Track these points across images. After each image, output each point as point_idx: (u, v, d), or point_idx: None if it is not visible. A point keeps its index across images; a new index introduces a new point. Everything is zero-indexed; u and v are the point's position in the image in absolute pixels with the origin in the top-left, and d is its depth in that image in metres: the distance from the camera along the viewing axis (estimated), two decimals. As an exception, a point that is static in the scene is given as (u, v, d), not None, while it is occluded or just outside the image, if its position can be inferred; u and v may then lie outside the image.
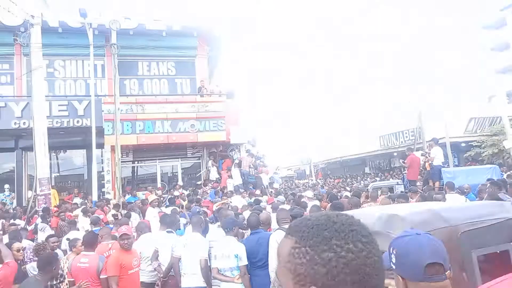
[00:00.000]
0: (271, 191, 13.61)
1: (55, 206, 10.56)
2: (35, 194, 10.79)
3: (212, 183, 14.05)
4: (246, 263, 4.60)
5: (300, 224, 0.85)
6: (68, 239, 5.96)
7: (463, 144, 23.29)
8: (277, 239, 4.70)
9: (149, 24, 15.30)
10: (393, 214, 2.25)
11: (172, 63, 16.87)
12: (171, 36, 15.79)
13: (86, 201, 11.83)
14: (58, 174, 15.54)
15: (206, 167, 15.16)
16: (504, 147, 17.57)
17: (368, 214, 2.49)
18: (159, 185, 15.14)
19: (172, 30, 15.56)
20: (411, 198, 7.52)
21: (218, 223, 5.80)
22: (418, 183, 11.88)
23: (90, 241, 4.86)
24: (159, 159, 15.81)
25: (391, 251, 1.42)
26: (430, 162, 11.52)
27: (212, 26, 16.07)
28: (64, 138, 14.08)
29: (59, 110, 13.57)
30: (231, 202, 9.27)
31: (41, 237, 7.11)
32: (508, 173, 14.11)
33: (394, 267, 1.39)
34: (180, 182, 15.11)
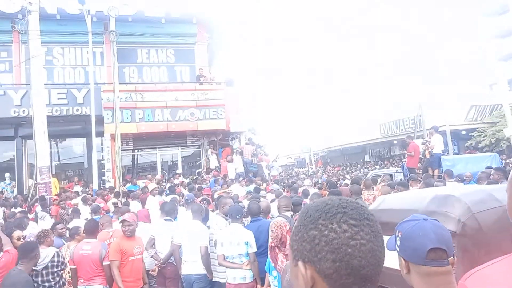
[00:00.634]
0: (271, 179, 13.64)
1: (55, 195, 10.58)
2: (35, 182, 10.81)
3: (212, 171, 14.09)
4: (256, 250, 4.63)
5: (306, 206, 0.94)
6: (68, 228, 5.99)
7: (463, 132, 23.26)
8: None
9: (148, 10, 15.13)
10: (448, 194, 2.29)
11: (172, 51, 16.76)
12: (170, 23, 15.65)
13: (87, 189, 11.86)
14: (58, 163, 15.56)
15: (206, 155, 15.17)
16: (503, 135, 17.56)
17: (420, 196, 2.58)
18: (159, 173, 15.17)
19: (171, 17, 15.41)
20: (411, 186, 7.53)
21: (217, 211, 5.81)
22: (417, 171, 11.91)
23: (92, 229, 4.89)
24: (159, 148, 15.82)
25: (396, 234, 1.46)
26: (430, 150, 11.52)
27: (211, 12, 15.90)
28: (63, 127, 14.05)
29: (58, 98, 13.52)
30: (231, 191, 9.29)
31: (41, 225, 7.14)
32: (507, 160, 14.13)
33: (398, 249, 1.44)
34: (179, 170, 15.14)
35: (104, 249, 4.68)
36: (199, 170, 14.81)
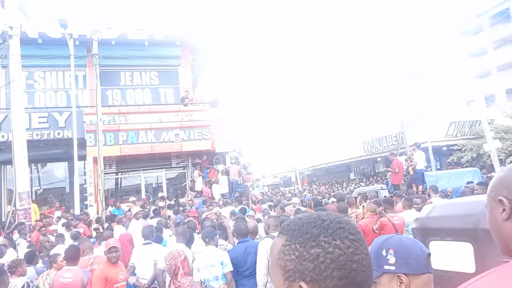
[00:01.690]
0: (252, 198, 13.52)
1: (36, 221, 10.27)
2: (14, 209, 10.50)
3: (195, 193, 13.91)
4: (232, 269, 4.56)
5: (291, 223, 0.90)
6: (48, 255, 5.80)
7: (444, 148, 23.72)
8: (266, 248, 4.66)
9: (131, 33, 15.20)
10: None
11: (155, 73, 16.78)
12: (154, 46, 15.72)
13: (68, 215, 11.55)
14: (39, 188, 15.18)
15: (192, 177, 15.02)
16: (483, 150, 17.94)
17: (475, 201, 2.65)
18: (143, 196, 14.91)
19: (154, 39, 15.49)
20: (395, 202, 7.58)
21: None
22: (401, 187, 12.02)
23: (73, 255, 4.72)
24: (143, 170, 15.61)
25: (386, 253, 1.40)
26: (413, 166, 11.68)
27: (195, 35, 16.06)
28: (44, 151, 13.77)
29: (39, 122, 13.29)
30: (220, 212, 9.18)
31: (19, 252, 6.89)
32: (489, 175, 14.41)
33: (393, 268, 1.37)
34: (163, 193, 14.91)
35: (86, 276, 4.52)
36: (186, 192, 14.58)
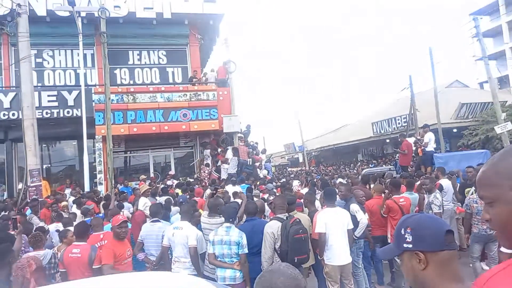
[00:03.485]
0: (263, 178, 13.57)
1: (45, 198, 10.45)
2: (25, 186, 10.68)
3: (210, 168, 14.08)
4: (247, 251, 4.59)
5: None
6: (57, 230, 5.92)
7: (454, 130, 23.45)
8: (273, 230, 4.69)
9: (139, 12, 15.05)
10: None
11: (163, 52, 16.67)
12: (162, 24, 15.58)
13: (74, 191, 11.75)
14: (49, 165, 15.41)
15: (201, 157, 15.07)
16: (494, 133, 17.69)
17: None
18: (151, 175, 15.06)
19: (162, 18, 15.33)
20: (403, 184, 7.56)
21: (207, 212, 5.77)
22: (410, 169, 11.96)
23: (82, 231, 4.82)
24: (151, 149, 15.71)
25: (404, 232, 1.43)
26: (423, 147, 11.58)
27: (203, 13, 15.84)
28: (54, 129, 13.90)
29: (48, 101, 13.39)
30: (226, 191, 9.24)
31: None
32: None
33: (411, 246, 1.40)
34: (172, 171, 15.04)
35: (94, 252, 4.60)
36: (201, 167, 14.62)
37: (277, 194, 8.05)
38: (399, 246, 1.44)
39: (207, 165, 14.37)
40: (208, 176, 13.48)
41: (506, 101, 22.61)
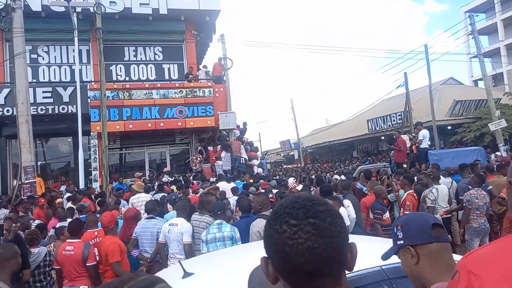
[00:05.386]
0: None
1: (41, 196, 10.42)
2: (20, 182, 10.65)
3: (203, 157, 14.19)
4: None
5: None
6: (54, 227, 5.92)
7: (449, 127, 23.59)
8: (258, 229, 4.64)
9: (135, 8, 14.95)
10: None
11: (159, 48, 16.60)
12: (158, 21, 15.49)
13: (69, 188, 11.70)
14: (44, 162, 15.34)
15: (196, 152, 15.08)
16: (487, 130, 17.81)
17: None
18: (147, 172, 15.04)
19: (159, 14, 15.24)
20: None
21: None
22: (404, 166, 12.03)
23: (75, 229, 4.81)
24: (147, 146, 15.69)
25: (396, 230, 1.50)
26: (417, 144, 11.64)
27: (200, 9, 15.77)
28: (49, 126, 13.84)
29: (43, 97, 13.33)
30: (218, 187, 9.26)
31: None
32: (494, 154, 14.37)
33: (402, 242, 1.46)
34: (167, 168, 15.03)
35: (87, 249, 4.60)
36: (195, 155, 14.68)
37: (256, 192, 7.90)
38: (394, 244, 1.51)
39: (201, 152, 14.40)
40: (198, 164, 13.52)
41: (500, 99, 22.76)
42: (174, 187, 10.74)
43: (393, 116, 25.20)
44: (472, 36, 18.07)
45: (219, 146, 14.19)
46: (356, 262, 0.91)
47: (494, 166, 8.15)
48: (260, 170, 14.74)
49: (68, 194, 10.05)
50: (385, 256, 1.58)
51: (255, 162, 14.82)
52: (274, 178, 13.33)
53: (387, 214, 6.15)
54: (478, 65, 18.27)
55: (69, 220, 6.31)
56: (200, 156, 14.17)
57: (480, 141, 20.43)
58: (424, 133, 11.73)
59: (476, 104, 23.50)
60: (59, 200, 8.99)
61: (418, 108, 22.45)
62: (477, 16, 20.68)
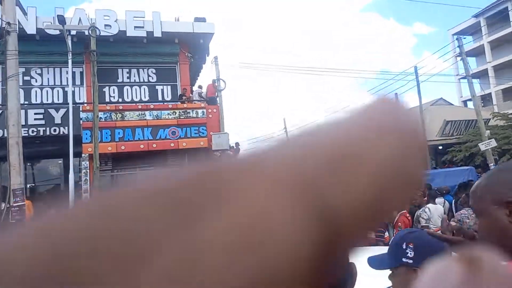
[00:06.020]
0: None
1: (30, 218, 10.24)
2: (8, 205, 10.47)
3: None
4: None
5: None
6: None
7: (440, 147, 23.83)
8: None
9: (130, 31, 15.14)
10: None
11: (153, 70, 16.72)
12: (152, 43, 15.66)
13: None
14: (33, 185, 15.14)
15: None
16: (476, 150, 18.02)
17: None
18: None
19: (153, 37, 15.43)
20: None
21: None
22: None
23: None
24: (139, 167, 15.58)
25: (406, 247, 1.45)
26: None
27: (194, 32, 16.02)
28: (40, 148, 13.73)
29: (35, 119, 13.28)
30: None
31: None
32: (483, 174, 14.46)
33: (411, 261, 1.42)
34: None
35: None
36: None
37: None
38: (396, 259, 1.46)
39: None
40: None
41: (489, 119, 23.13)
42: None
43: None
44: (460, 57, 18.48)
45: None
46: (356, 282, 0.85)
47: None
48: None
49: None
50: (377, 265, 1.54)
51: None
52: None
53: (387, 233, 6.13)
54: (467, 86, 18.63)
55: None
56: None
57: (471, 161, 20.63)
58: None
59: (466, 124, 23.85)
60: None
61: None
62: (465, 38, 21.20)
